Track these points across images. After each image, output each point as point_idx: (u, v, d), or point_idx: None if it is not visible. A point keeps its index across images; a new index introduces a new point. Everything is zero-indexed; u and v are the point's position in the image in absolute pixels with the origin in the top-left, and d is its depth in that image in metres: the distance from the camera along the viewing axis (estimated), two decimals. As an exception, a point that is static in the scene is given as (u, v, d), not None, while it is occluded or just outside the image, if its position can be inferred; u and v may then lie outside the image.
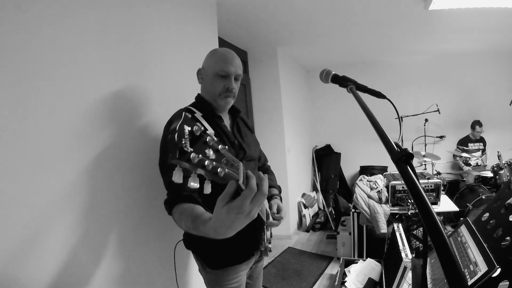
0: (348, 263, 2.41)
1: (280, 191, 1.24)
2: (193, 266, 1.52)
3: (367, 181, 2.80)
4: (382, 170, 4.18)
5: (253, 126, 1.82)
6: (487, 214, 0.95)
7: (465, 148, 3.88)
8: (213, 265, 1.04)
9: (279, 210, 1.09)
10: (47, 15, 0.90)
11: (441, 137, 4.23)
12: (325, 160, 4.55)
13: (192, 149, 0.41)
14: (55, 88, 0.91)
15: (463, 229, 1.00)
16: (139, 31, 1.29)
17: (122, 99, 1.17)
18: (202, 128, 0.45)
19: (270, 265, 2.83)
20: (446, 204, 2.39)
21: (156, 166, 1.00)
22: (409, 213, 2.27)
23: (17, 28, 0.82)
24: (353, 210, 2.62)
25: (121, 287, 1.13)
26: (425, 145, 4.09)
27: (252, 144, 1.18)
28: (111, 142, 1.10)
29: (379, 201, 2.51)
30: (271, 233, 1.15)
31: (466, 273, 0.81)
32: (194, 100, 1.13)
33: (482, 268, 0.77)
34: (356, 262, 2.34)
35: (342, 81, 0.87)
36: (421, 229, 2.35)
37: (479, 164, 3.67)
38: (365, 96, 0.74)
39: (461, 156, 3.66)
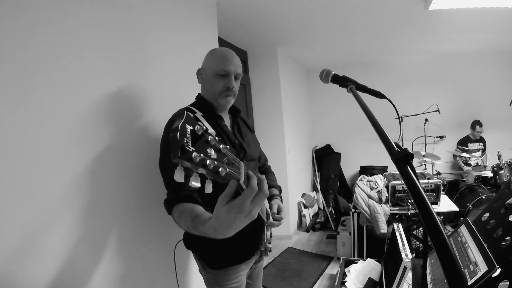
0: (348, 263, 2.41)
1: (280, 191, 1.24)
2: (193, 266, 1.52)
3: (367, 181, 2.80)
4: (382, 170, 4.18)
5: (253, 126, 1.82)
6: (487, 214, 0.95)
7: (465, 148, 3.88)
8: (213, 265, 1.04)
9: (279, 211, 1.09)
10: (47, 15, 0.90)
11: (441, 137, 4.23)
12: (325, 160, 4.55)
13: (193, 148, 0.41)
14: (55, 88, 0.91)
15: (463, 229, 1.00)
16: (139, 31, 1.29)
17: (122, 99, 1.17)
18: (204, 127, 0.45)
19: (270, 265, 2.83)
20: (446, 204, 2.39)
21: (156, 166, 1.00)
22: (409, 213, 2.27)
23: (17, 28, 0.82)
24: (353, 210, 2.62)
25: (121, 287, 1.13)
26: (425, 145, 4.09)
27: (252, 144, 1.18)
28: (111, 142, 1.10)
29: (379, 201, 2.51)
30: (271, 233, 1.15)
31: (466, 273, 0.81)
32: (195, 100, 1.13)
33: (482, 268, 0.77)
34: (356, 262, 2.34)
35: (342, 81, 0.87)
36: (421, 229, 2.35)
37: (479, 164, 3.67)
38: (365, 96, 0.74)
39: (461, 156, 3.67)
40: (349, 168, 4.82)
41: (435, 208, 2.26)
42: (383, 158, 4.12)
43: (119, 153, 1.14)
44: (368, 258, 2.33)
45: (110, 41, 1.13)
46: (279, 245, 3.27)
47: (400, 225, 2.06)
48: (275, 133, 3.50)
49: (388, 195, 2.40)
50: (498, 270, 0.72)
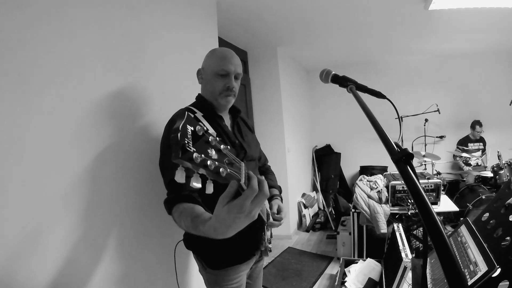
0: (348, 263, 2.41)
1: (280, 192, 1.24)
2: (193, 266, 1.52)
3: (367, 181, 2.80)
4: (382, 170, 4.18)
5: (253, 126, 1.82)
6: (487, 214, 0.95)
7: (465, 148, 3.88)
8: (213, 265, 1.04)
9: (279, 211, 1.09)
10: (47, 14, 0.90)
11: (441, 137, 4.23)
12: (325, 160, 4.55)
13: (194, 149, 0.41)
14: (55, 88, 0.91)
15: (463, 229, 1.00)
16: (139, 31, 1.29)
17: (122, 98, 1.17)
18: (205, 128, 0.45)
19: (270, 265, 2.83)
20: (446, 204, 2.39)
21: (156, 166, 1.00)
22: (409, 213, 2.27)
23: (17, 28, 0.82)
24: (353, 210, 2.62)
25: (121, 287, 1.13)
26: (425, 145, 4.09)
27: (252, 144, 1.18)
28: (111, 142, 1.10)
29: (379, 201, 2.51)
30: (271, 233, 1.15)
31: (466, 273, 0.81)
32: (195, 100, 1.13)
33: (482, 268, 0.77)
34: (356, 262, 2.34)
35: (342, 81, 0.87)
36: (421, 229, 2.35)
37: (479, 164, 3.67)
38: (365, 96, 0.74)
39: (461, 156, 3.66)
40: (349, 168, 4.82)
41: (435, 208, 2.26)
42: (383, 158, 4.12)
43: (119, 153, 1.14)
44: (368, 258, 2.33)
45: (110, 41, 1.13)
46: (279, 245, 3.27)
47: (400, 225, 2.06)
48: (275, 133, 3.50)
49: (388, 195, 2.40)
50: (498, 270, 0.72)
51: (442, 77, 4.28)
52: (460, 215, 3.01)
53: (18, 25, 0.82)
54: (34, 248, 0.84)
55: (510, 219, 0.81)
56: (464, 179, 3.69)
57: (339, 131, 4.85)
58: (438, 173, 3.32)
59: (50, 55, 0.90)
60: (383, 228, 2.37)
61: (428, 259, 1.10)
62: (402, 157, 0.47)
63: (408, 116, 3.87)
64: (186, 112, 0.45)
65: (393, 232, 1.99)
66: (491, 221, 0.90)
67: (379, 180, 2.74)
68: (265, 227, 1.04)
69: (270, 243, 1.10)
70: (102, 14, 1.09)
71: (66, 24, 0.95)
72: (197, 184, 0.44)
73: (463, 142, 3.96)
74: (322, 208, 4.15)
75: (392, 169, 3.63)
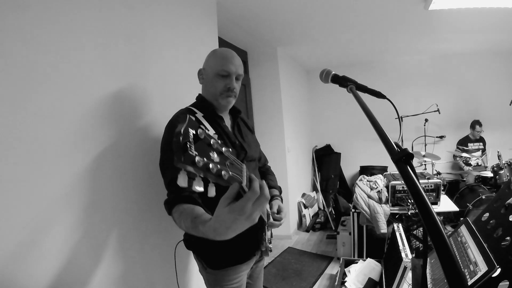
0: (348, 263, 2.41)
1: (280, 192, 1.24)
2: (194, 266, 1.52)
3: (367, 181, 2.80)
4: (382, 170, 4.18)
5: (253, 126, 1.82)
6: (487, 214, 0.95)
7: (465, 148, 3.88)
8: (214, 265, 1.04)
9: (279, 211, 1.09)
10: (46, 14, 0.90)
11: (441, 137, 4.23)
12: (325, 160, 4.55)
13: (196, 153, 0.41)
14: (55, 88, 0.91)
15: (463, 229, 1.00)
16: (139, 31, 1.29)
17: (122, 99, 1.17)
18: (206, 130, 0.45)
19: (270, 265, 2.83)
20: (446, 204, 2.39)
21: (156, 166, 1.00)
22: (409, 213, 2.27)
23: (17, 27, 0.82)
24: (353, 210, 2.62)
25: (121, 287, 1.13)
26: (425, 145, 4.09)
27: (252, 144, 1.18)
28: (111, 142, 1.10)
29: (379, 201, 2.51)
30: (271, 233, 1.15)
31: (466, 273, 0.81)
32: (195, 100, 1.13)
33: (482, 268, 0.77)
34: (356, 262, 2.34)
35: (342, 81, 0.87)
36: (421, 229, 2.35)
37: (479, 164, 3.67)
38: (365, 96, 0.74)
39: (461, 156, 3.66)
40: (349, 168, 4.82)
41: (435, 208, 2.26)
42: (383, 158, 4.12)
43: (119, 153, 1.14)
44: (368, 258, 2.33)
45: (110, 41, 1.13)
46: (279, 245, 3.27)
47: (400, 225, 2.06)
48: (275, 133, 3.50)
49: (388, 195, 2.40)
50: (498, 270, 0.72)
51: (442, 77, 4.28)
52: (460, 215, 3.01)
53: (18, 25, 0.82)
54: (34, 248, 0.84)
55: (510, 219, 0.81)
56: (464, 179, 3.69)
57: (339, 131, 4.85)
58: (438, 173, 3.32)
59: (50, 55, 0.90)
60: (383, 228, 2.37)
61: (428, 259, 1.10)
62: (402, 157, 0.47)
63: (408, 116, 3.87)
64: (188, 115, 0.45)
65: (393, 232, 1.99)
66: (491, 221, 0.90)
67: (379, 180, 2.74)
68: (266, 227, 1.04)
69: (270, 243, 1.10)
70: (102, 14, 1.09)
71: (66, 24, 0.95)
72: (199, 188, 0.44)
73: (463, 142, 3.96)
74: (322, 208, 4.15)
75: (392, 169, 3.63)
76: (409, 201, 2.31)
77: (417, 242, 2.39)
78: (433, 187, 2.29)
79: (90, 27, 1.04)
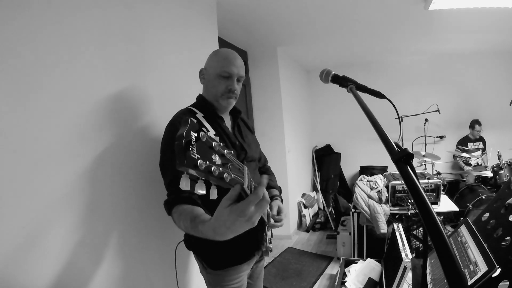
0: (348, 263, 2.41)
1: (280, 192, 1.24)
2: (194, 266, 1.52)
3: (367, 181, 2.80)
4: (382, 170, 4.18)
5: (253, 126, 1.82)
6: (487, 214, 0.95)
7: (465, 148, 3.88)
8: (214, 266, 1.04)
9: (279, 212, 1.09)
10: (47, 15, 0.90)
11: (441, 137, 4.23)
12: (325, 160, 4.55)
13: (199, 156, 0.41)
14: (54, 88, 0.91)
15: (463, 229, 1.00)
16: (139, 31, 1.29)
17: (122, 99, 1.17)
18: (208, 133, 0.45)
19: (270, 265, 2.83)
20: (446, 204, 2.39)
21: (156, 166, 1.00)
22: (409, 213, 2.27)
23: (17, 28, 0.82)
24: (353, 210, 2.62)
25: None
26: (425, 145, 4.09)
27: (253, 144, 1.18)
28: (111, 142, 1.10)
29: (379, 201, 2.51)
30: (271, 233, 1.15)
31: (466, 273, 0.81)
32: (195, 101, 1.13)
33: (482, 268, 0.77)
34: (356, 262, 2.34)
35: (342, 81, 0.87)
36: (421, 229, 2.35)
37: (479, 164, 3.67)
38: (365, 96, 0.74)
39: (461, 156, 3.66)
40: (349, 168, 4.82)
41: (435, 208, 2.26)
42: (383, 158, 4.12)
43: (119, 153, 1.14)
44: (368, 258, 2.33)
45: (110, 41, 1.13)
46: (279, 245, 3.27)
47: (400, 225, 2.06)
48: (275, 133, 3.50)
49: (388, 195, 2.40)
50: (498, 270, 0.72)
51: (442, 77, 4.28)
52: (460, 215, 3.01)
53: (18, 25, 0.82)
54: (34, 248, 0.84)
55: (510, 219, 0.81)
56: (464, 179, 3.69)
57: (339, 131, 4.85)
58: (438, 173, 3.32)
59: (50, 56, 0.90)
60: (383, 228, 2.37)
61: (428, 259, 1.10)
62: (402, 157, 0.47)
63: (408, 116, 3.87)
64: (190, 118, 0.45)
65: (393, 232, 1.99)
66: (491, 221, 0.90)
67: (379, 180, 2.74)
68: (266, 227, 1.04)
69: (270, 243, 1.10)
70: (102, 14, 1.09)
71: (66, 24, 0.95)
72: (201, 191, 0.44)
73: (463, 142, 3.97)
74: (322, 208, 4.15)
75: (392, 169, 3.63)
76: (409, 201, 2.31)
77: (417, 242, 2.39)
78: (433, 187, 2.29)
79: (90, 27, 1.04)
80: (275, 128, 3.50)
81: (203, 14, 1.87)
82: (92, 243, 1.02)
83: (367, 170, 4.37)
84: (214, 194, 0.49)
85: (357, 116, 4.31)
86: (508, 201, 0.87)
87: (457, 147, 3.98)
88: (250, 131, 1.24)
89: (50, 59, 0.90)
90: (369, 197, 2.57)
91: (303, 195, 4.01)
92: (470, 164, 3.69)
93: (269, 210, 1.05)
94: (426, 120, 4.03)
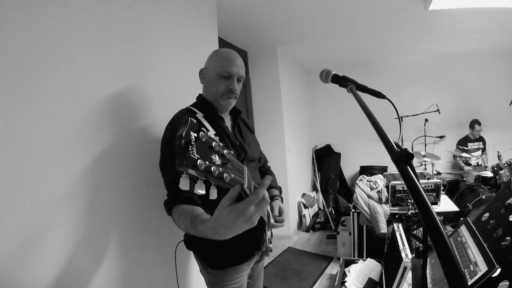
0: (348, 263, 2.41)
1: (280, 192, 1.24)
2: (194, 266, 1.52)
3: (367, 181, 2.80)
4: (382, 170, 4.18)
5: (253, 126, 1.82)
6: (487, 214, 0.95)
7: (465, 148, 3.88)
8: (214, 266, 1.04)
9: (280, 212, 1.09)
10: (46, 14, 0.90)
11: (441, 137, 4.23)
12: (325, 160, 4.55)
13: (198, 156, 0.41)
14: (54, 89, 0.91)
15: (463, 229, 1.00)
16: (139, 31, 1.29)
17: (122, 99, 1.17)
18: (208, 133, 0.45)
19: (270, 265, 2.83)
20: (446, 204, 2.39)
21: (156, 166, 1.00)
22: (409, 213, 2.27)
23: (17, 28, 0.82)
24: (353, 210, 2.62)
25: None
26: (425, 145, 4.09)
27: (253, 144, 1.18)
28: (111, 142, 1.10)
29: (379, 201, 2.51)
30: (271, 233, 1.15)
31: (466, 273, 0.81)
32: (195, 100, 1.13)
33: (482, 268, 0.77)
34: (356, 262, 2.34)
35: (342, 81, 0.87)
36: (421, 229, 2.35)
37: (479, 164, 3.67)
38: (365, 96, 0.74)
39: (461, 156, 3.66)
40: (349, 168, 4.82)
41: (435, 208, 2.26)
42: (383, 158, 4.12)
43: (119, 153, 1.14)
44: (368, 258, 2.33)
45: (110, 41, 1.13)
46: (279, 245, 3.27)
47: (400, 225, 2.06)
48: (275, 133, 3.51)
49: (388, 195, 2.40)
50: (498, 270, 0.72)
51: (442, 77, 4.28)
52: (460, 215, 3.01)
53: (18, 25, 0.82)
54: (34, 248, 0.84)
55: (510, 219, 0.81)
56: (464, 179, 3.69)
57: (339, 131, 4.85)
58: (438, 173, 3.32)
59: (50, 56, 0.90)
60: (383, 228, 2.37)
61: (428, 259, 1.10)
62: (402, 157, 0.47)
63: (408, 116, 3.87)
64: (189, 118, 0.45)
65: (393, 232, 1.99)
66: (491, 221, 0.90)
67: (379, 180, 2.74)
68: (266, 227, 1.04)
69: (270, 243, 1.10)
70: (102, 14, 1.09)
71: (66, 24, 0.95)
72: (201, 191, 0.44)
73: (463, 142, 3.97)
74: (322, 208, 4.15)
75: (392, 169, 3.63)
76: (409, 201, 2.31)
77: (417, 242, 2.39)
78: (433, 187, 2.29)
79: (90, 27, 1.04)
80: (275, 128, 3.50)
81: (203, 14, 1.87)
82: (92, 243, 1.02)
83: (367, 170, 4.37)
84: (213, 194, 0.49)
85: (357, 116, 4.33)
86: (508, 201, 0.87)
87: (457, 147, 3.97)
88: (250, 131, 1.23)
89: (50, 59, 0.90)
90: (369, 197, 2.57)
91: (303, 195, 4.01)
92: (470, 164, 3.69)
93: (269, 210, 1.05)
94: (426, 120, 4.03)
